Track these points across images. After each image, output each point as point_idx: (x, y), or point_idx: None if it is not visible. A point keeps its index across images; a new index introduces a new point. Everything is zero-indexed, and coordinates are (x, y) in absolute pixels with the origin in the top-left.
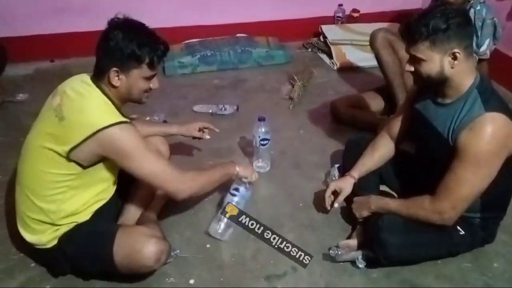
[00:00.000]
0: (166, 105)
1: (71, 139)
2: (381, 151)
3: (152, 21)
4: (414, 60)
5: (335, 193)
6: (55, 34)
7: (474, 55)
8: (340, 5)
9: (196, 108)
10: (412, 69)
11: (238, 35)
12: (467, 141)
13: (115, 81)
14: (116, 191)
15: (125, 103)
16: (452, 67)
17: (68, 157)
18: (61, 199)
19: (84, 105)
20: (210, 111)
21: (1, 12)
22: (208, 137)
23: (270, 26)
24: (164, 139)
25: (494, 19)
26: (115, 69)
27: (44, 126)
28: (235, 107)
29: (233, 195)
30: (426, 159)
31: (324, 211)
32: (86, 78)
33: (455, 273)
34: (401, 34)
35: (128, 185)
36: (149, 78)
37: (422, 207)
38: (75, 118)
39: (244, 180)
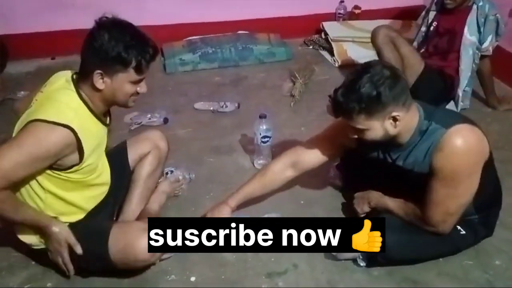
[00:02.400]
0: (167, 103)
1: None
2: (269, 177)
3: (154, 18)
4: (356, 131)
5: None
6: (56, 31)
7: (477, 51)
8: (342, 1)
9: (197, 105)
10: (356, 136)
11: (239, 32)
12: (441, 162)
13: (99, 84)
14: (112, 189)
15: (110, 106)
16: (395, 127)
17: None
18: (41, 203)
19: (51, 99)
20: (211, 108)
21: (1, 9)
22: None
23: (271, 23)
24: (163, 135)
25: (497, 15)
26: (99, 71)
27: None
28: (236, 105)
29: None
30: (401, 190)
31: None
32: (69, 76)
33: (457, 270)
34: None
35: (125, 182)
36: (136, 83)
37: (417, 215)
38: (37, 109)
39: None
